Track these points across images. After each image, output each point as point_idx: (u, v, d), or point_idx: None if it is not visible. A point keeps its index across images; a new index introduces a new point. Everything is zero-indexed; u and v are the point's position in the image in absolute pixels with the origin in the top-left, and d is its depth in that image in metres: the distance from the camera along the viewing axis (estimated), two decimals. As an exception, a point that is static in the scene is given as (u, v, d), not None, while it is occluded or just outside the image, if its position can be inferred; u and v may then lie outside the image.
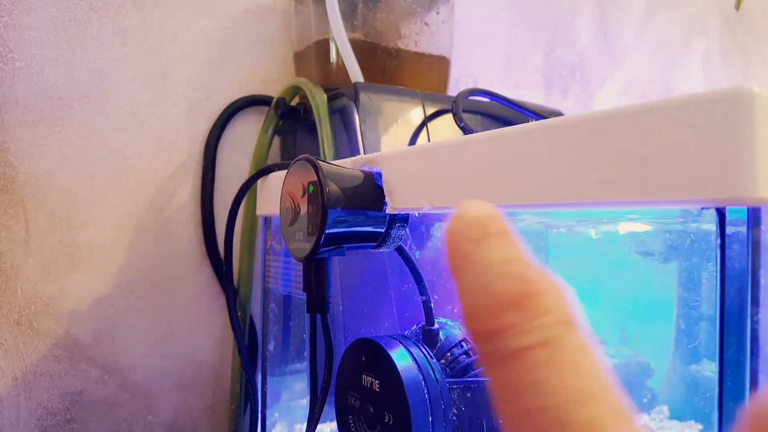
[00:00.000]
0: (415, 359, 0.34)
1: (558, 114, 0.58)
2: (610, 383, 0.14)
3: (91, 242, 0.57)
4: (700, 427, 0.45)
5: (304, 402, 0.56)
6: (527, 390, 0.14)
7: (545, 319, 0.15)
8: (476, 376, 0.35)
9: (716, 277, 0.21)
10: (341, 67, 0.55)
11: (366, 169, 0.36)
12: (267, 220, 0.55)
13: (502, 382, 0.15)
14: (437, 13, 0.60)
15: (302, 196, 0.34)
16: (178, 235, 0.62)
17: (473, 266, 0.16)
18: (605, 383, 0.14)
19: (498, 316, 0.15)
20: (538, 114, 0.52)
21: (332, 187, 0.33)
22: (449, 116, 0.53)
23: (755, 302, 0.21)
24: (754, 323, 0.21)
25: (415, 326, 0.39)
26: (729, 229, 0.21)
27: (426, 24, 0.59)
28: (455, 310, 0.42)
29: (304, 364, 0.56)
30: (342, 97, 0.52)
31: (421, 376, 0.33)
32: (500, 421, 0.15)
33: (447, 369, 0.35)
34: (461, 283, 0.16)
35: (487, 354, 0.15)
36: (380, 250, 0.37)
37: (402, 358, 0.33)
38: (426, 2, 0.59)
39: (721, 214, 0.21)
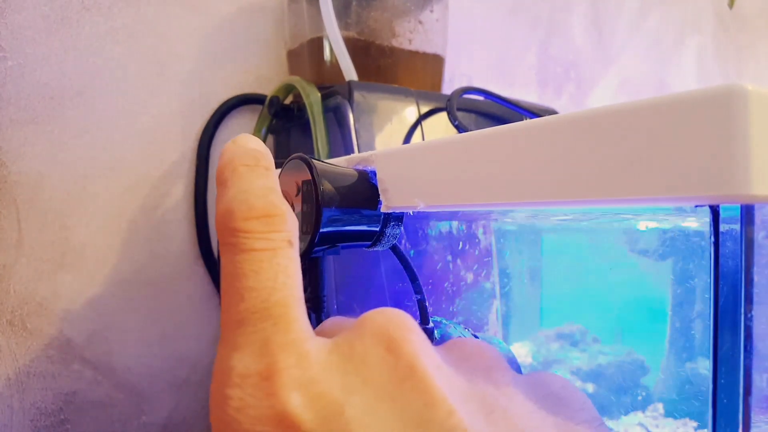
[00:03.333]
0: (409, 358, 0.34)
1: (552, 112, 0.58)
2: (298, 289, 0.21)
3: (84, 242, 0.57)
4: (695, 424, 0.45)
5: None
6: (247, 274, 0.20)
7: (278, 235, 0.21)
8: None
9: (710, 274, 0.21)
10: (335, 66, 0.55)
11: (360, 167, 0.36)
12: (261, 219, 0.54)
13: (231, 266, 0.21)
14: (431, 11, 0.60)
15: (296, 195, 0.34)
16: (172, 235, 0.61)
17: (241, 182, 0.22)
18: (294, 287, 0.21)
19: (249, 221, 0.21)
20: (533, 112, 0.52)
21: (327, 186, 0.32)
22: (444, 114, 0.53)
23: (749, 299, 0.21)
24: (748, 320, 0.21)
25: (409, 325, 0.39)
26: (723, 227, 0.21)
27: (420, 22, 0.59)
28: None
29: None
30: (336, 96, 0.52)
31: (416, 375, 0.33)
32: (221, 295, 0.21)
33: (442, 368, 0.35)
34: (227, 191, 0.22)
35: (229, 244, 0.21)
36: (375, 249, 0.36)
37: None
38: (420, 0, 0.59)
39: (714, 211, 0.21)
